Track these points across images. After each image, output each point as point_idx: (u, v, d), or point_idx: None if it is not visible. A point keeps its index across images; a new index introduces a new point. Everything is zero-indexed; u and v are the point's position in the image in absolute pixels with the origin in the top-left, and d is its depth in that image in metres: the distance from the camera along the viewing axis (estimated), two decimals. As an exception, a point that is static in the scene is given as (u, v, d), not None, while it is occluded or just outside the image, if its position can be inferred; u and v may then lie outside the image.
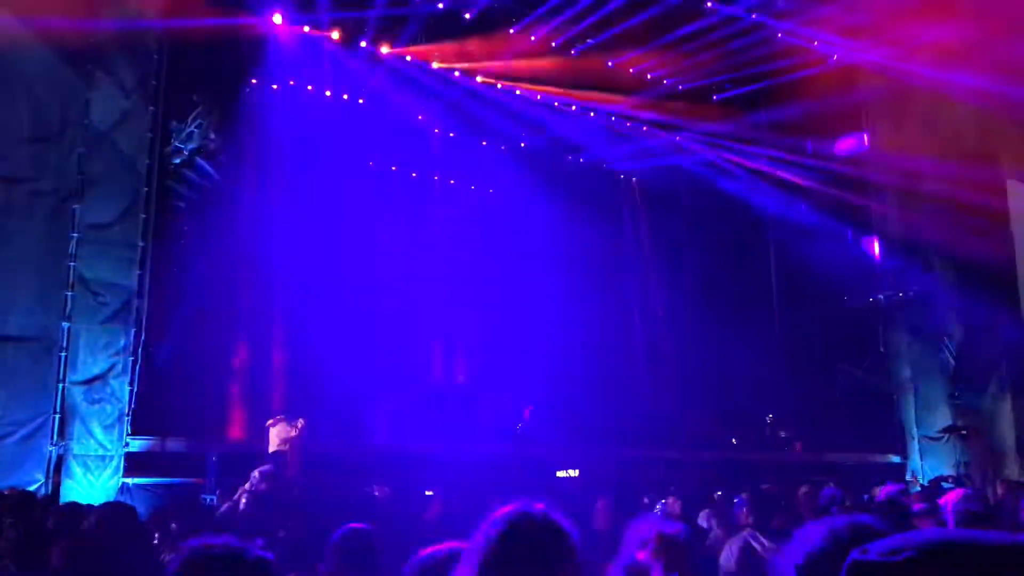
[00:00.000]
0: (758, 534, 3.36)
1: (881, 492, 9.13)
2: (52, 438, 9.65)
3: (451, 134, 18.06)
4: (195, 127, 12.03)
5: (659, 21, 14.94)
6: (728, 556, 3.32)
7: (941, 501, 5.18)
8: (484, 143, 18.70)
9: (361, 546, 3.45)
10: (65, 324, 9.98)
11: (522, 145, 18.99)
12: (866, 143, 17.03)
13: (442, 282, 17.03)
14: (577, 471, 13.50)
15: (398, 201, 17.71)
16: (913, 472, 15.54)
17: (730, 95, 18.07)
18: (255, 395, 14.76)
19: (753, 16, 15.39)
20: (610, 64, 16.40)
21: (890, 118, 16.70)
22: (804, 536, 1.45)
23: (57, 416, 9.73)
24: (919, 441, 15.96)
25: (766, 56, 16.33)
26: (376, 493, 8.30)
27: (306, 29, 14.64)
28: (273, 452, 9.96)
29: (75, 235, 10.21)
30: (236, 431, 13.66)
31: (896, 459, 15.91)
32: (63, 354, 9.90)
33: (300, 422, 10.09)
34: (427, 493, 8.30)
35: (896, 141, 16.40)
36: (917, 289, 15.95)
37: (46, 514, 5.78)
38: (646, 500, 9.31)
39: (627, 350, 19.19)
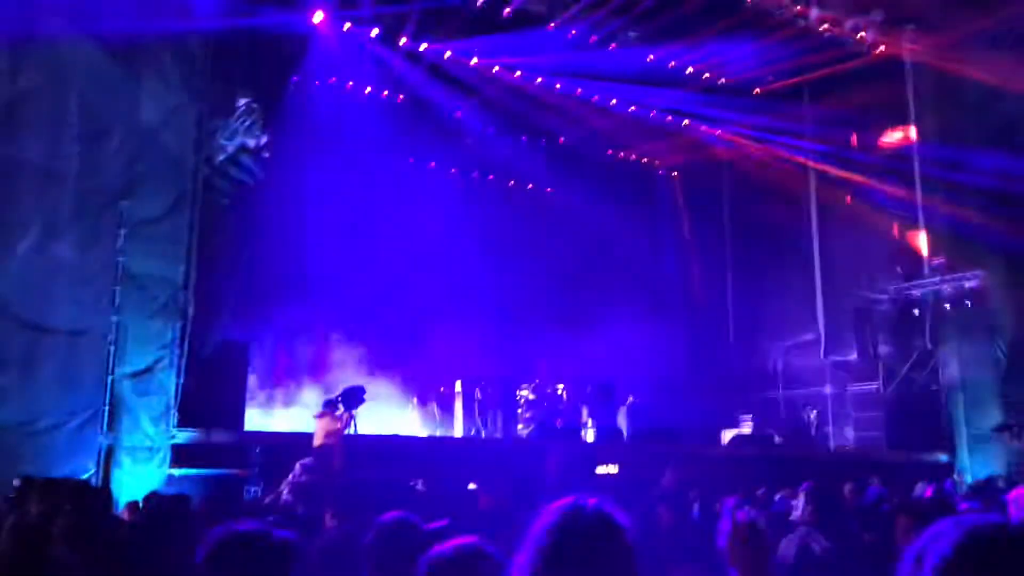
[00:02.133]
0: (815, 532, 3.30)
1: (927, 490, 9.00)
2: (102, 429, 9.84)
3: (490, 130, 18.08)
4: (239, 124, 12.16)
5: (700, 14, 14.79)
6: (785, 553, 3.26)
7: (1010, 496, 5.06)
8: (523, 138, 18.70)
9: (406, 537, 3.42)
10: (114, 317, 10.17)
11: (561, 140, 18.96)
12: (913, 135, 16.67)
13: (481, 277, 17.06)
14: (617, 467, 13.44)
15: (437, 198, 17.78)
16: (960, 471, 15.21)
17: (773, 88, 17.85)
18: (299, 388, 14.96)
19: (796, 8, 15.18)
20: (650, 58, 16.26)
21: (938, 110, 16.34)
22: (936, 535, 1.41)
23: (107, 408, 9.92)
24: (967, 439, 15.61)
25: (809, 48, 16.10)
26: (419, 487, 8.34)
27: (347, 27, 14.75)
28: (317, 445, 10.06)
29: (123, 231, 10.39)
30: (280, 423, 13.84)
31: (943, 458, 15.57)
32: (112, 347, 10.09)
33: (344, 415, 10.18)
34: (470, 486, 8.32)
35: (944, 133, 16.05)
36: (965, 284, 15.59)
37: (100, 501, 5.90)
38: (691, 496, 9.23)
39: (669, 343, 19.05)
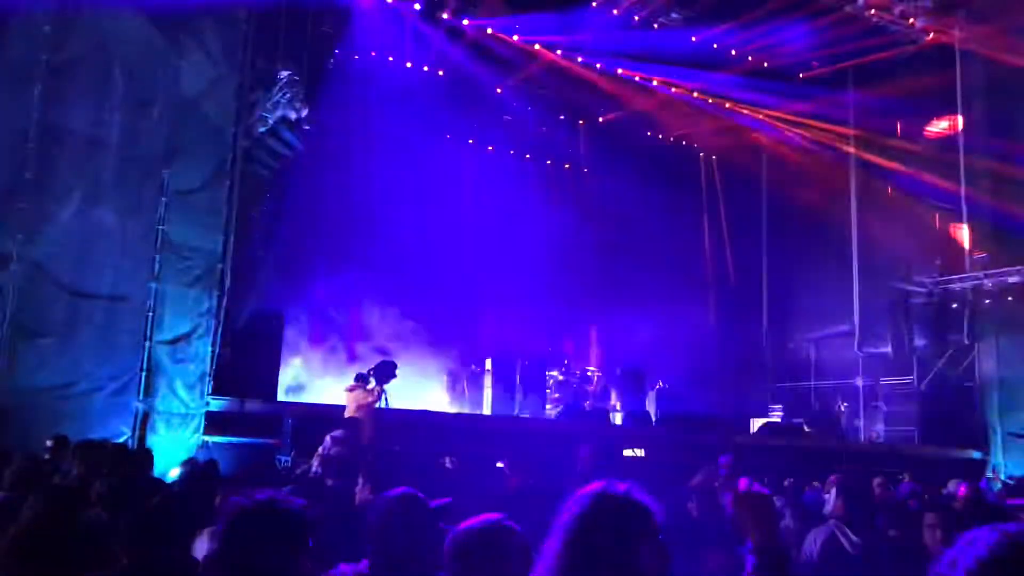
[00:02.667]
0: (844, 527, 3.27)
1: (960, 488, 8.85)
2: (139, 394, 10.02)
3: (529, 108, 18.00)
4: (280, 96, 12.21)
5: (746, -4, 14.59)
6: (811, 546, 3.24)
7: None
8: (562, 117, 18.59)
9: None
10: (153, 284, 10.31)
11: (600, 120, 18.83)
12: (960, 125, 16.30)
13: (515, 254, 17.06)
14: (643, 451, 13.43)
15: (475, 175, 17.78)
16: (994, 468, 14.99)
17: (817, 73, 17.55)
18: (333, 359, 15.11)
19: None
20: (693, 39, 16.04)
21: (986, 100, 15.95)
22: (972, 540, 1.39)
23: (144, 373, 10.09)
24: (1002, 437, 15.37)
25: (856, 34, 15.79)
26: (448, 464, 8.39)
27: (389, 0, 14.72)
28: (348, 417, 10.15)
29: (164, 199, 10.52)
30: (313, 394, 14.00)
31: (976, 455, 15.35)
32: (150, 314, 10.24)
33: (376, 388, 10.25)
34: (498, 465, 8.36)
35: (992, 123, 15.68)
36: (1007, 279, 15.27)
37: (137, 465, 6.02)
38: (716, 484, 9.19)
39: (701, 329, 18.95)
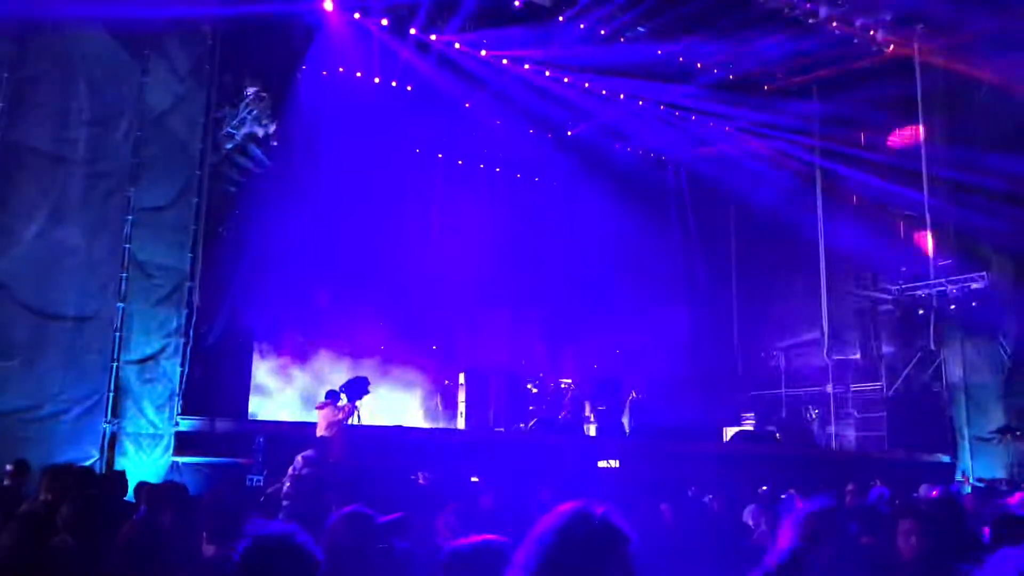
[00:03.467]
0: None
1: (932, 492, 8.94)
2: (106, 416, 9.87)
3: (497, 122, 18.05)
4: (247, 113, 12.16)
5: (710, 9, 14.74)
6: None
7: (1011, 501, 5.02)
8: (531, 131, 18.67)
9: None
10: (120, 304, 10.18)
11: (569, 133, 18.93)
12: (921, 135, 16.59)
13: (487, 268, 17.07)
14: (618, 461, 13.45)
15: (444, 188, 17.78)
16: (964, 472, 15.20)
17: (782, 85, 17.78)
18: (301, 378, 14.98)
19: (806, 5, 15.10)
20: (659, 52, 16.19)
21: (947, 110, 16.26)
22: (1005, 558, 1.40)
23: (111, 394, 9.94)
24: (970, 441, 15.59)
25: (819, 47, 16.02)
26: (420, 480, 8.34)
27: (356, 16, 14.71)
28: (319, 436, 10.08)
29: (130, 218, 10.40)
30: (283, 413, 13.87)
31: (946, 459, 15.56)
32: (117, 334, 10.10)
33: (347, 406, 10.18)
34: (472, 479, 8.32)
35: (953, 133, 15.98)
36: (971, 285, 15.53)
37: (104, 489, 5.91)
38: (690, 492, 9.24)
39: (673, 340, 19.06)
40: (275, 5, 12.52)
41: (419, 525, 4.71)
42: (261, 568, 2.20)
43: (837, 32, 15.83)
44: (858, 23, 15.78)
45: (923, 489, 9.33)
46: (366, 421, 10.68)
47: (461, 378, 15.43)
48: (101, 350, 9.97)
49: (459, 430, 14.66)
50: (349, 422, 10.21)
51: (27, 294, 9.54)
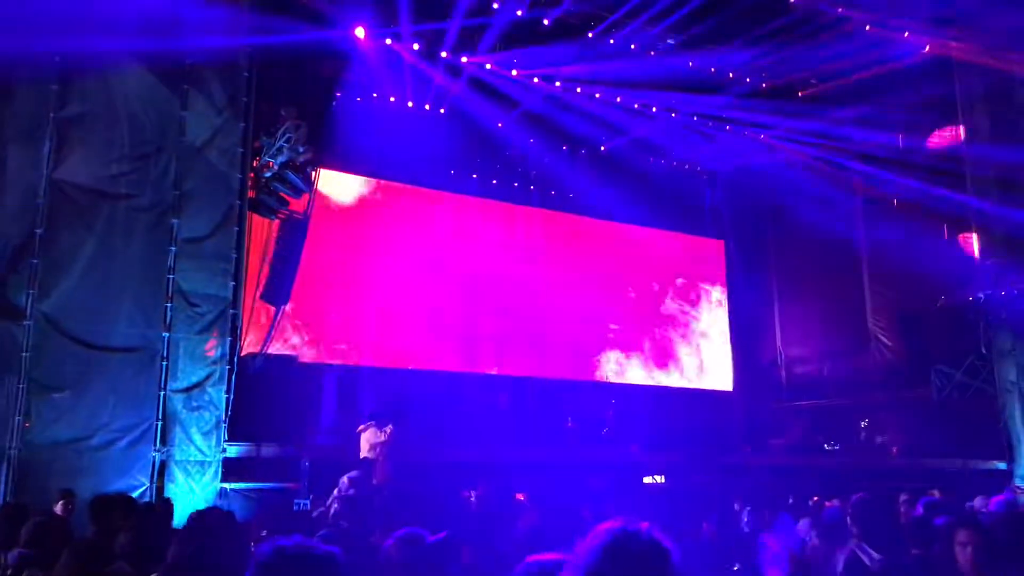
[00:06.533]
0: (865, 545, 3.24)
1: (992, 503, 8.67)
2: (155, 444, 10.03)
3: (531, 140, 18.11)
4: (284, 141, 12.34)
5: (740, 18, 14.67)
6: (836, 565, 3.21)
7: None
8: (564, 147, 18.70)
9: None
10: (165, 334, 10.37)
11: (602, 148, 18.93)
12: (962, 136, 16.29)
13: (526, 286, 17.07)
14: (663, 477, 13.34)
15: (482, 210, 17.85)
16: (1021, 477, 14.77)
17: (816, 91, 17.62)
18: (346, 402, 15.09)
19: (839, 9, 14.96)
20: (691, 64, 16.15)
21: (987, 110, 15.96)
22: None
23: (159, 423, 10.11)
24: (1025, 446, 15.15)
25: (853, 50, 15.85)
26: (471, 497, 8.35)
27: (388, 42, 14.90)
28: (363, 458, 10.14)
29: (173, 249, 10.60)
30: (328, 437, 13.96)
31: (1001, 465, 15.14)
32: (164, 363, 10.29)
33: (389, 428, 10.24)
34: (518, 496, 8.31)
35: (994, 132, 15.67)
36: (1020, 286, 15.15)
37: (157, 517, 6.00)
38: (736, 507, 9.12)
39: (712, 352, 18.88)
40: (309, 34, 12.74)
41: (470, 543, 4.71)
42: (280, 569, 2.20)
43: (871, 35, 15.65)
44: (892, 25, 15.60)
45: (978, 501, 9.07)
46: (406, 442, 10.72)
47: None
48: (148, 380, 10.15)
49: (502, 450, 14.62)
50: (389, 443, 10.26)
51: (76, 327, 9.75)
